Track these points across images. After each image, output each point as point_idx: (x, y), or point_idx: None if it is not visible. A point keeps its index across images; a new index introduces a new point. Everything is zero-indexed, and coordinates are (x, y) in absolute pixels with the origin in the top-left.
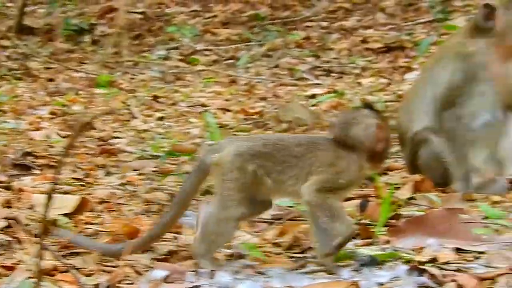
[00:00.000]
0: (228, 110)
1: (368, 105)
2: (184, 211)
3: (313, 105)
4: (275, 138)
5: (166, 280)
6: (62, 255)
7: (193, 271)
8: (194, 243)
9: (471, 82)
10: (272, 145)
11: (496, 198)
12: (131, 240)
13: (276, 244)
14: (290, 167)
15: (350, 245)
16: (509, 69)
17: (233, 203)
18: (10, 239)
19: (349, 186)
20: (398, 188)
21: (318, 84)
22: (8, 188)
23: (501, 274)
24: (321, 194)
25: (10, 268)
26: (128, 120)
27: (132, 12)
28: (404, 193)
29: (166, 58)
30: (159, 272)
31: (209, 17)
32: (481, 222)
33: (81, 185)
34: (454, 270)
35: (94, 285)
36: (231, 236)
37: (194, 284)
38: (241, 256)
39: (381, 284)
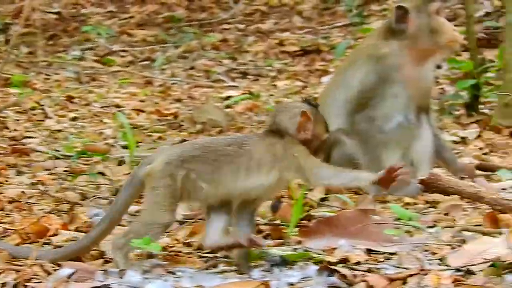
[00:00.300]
0: (143, 111)
1: (306, 100)
2: (115, 226)
3: (228, 107)
4: (204, 141)
5: (75, 279)
6: None
7: (102, 270)
8: (115, 237)
9: (384, 84)
10: (202, 148)
11: (408, 199)
12: (57, 250)
13: (187, 244)
14: (224, 166)
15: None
16: (421, 72)
17: (161, 210)
18: None
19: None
20: (310, 190)
21: (234, 86)
22: None
23: (412, 275)
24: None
25: None
26: (42, 120)
27: (48, 12)
28: (316, 194)
29: (81, 58)
30: (67, 271)
31: (125, 18)
32: (392, 224)
33: None
34: (365, 271)
35: (1, 284)
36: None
37: (103, 283)
38: (151, 256)
39: (292, 284)
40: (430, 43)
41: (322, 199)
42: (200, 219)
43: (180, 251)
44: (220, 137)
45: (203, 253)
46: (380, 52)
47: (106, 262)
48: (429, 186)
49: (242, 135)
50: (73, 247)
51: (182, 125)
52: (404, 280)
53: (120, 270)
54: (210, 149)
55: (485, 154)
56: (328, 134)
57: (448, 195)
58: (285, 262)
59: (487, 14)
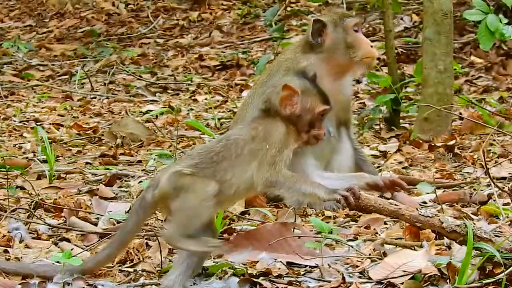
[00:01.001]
0: (62, 125)
1: (299, 71)
2: (124, 249)
3: (148, 121)
4: (199, 148)
5: None
6: None
7: (21, 283)
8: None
9: None
10: (198, 155)
11: (329, 213)
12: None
13: None
14: (223, 162)
15: None
16: (339, 86)
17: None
18: None
19: (282, 153)
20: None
21: (153, 100)
22: None
23: None
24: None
25: None
26: None
27: None
28: (237, 207)
29: None
30: None
31: (44, 33)
32: (313, 237)
33: None
34: (286, 284)
35: None
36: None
37: None
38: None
39: None
40: (346, 58)
41: (243, 213)
42: None
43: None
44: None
45: (124, 267)
46: (298, 65)
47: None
48: (349, 204)
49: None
50: (79, 267)
51: (102, 139)
52: None
53: (39, 282)
54: (203, 153)
55: (405, 168)
56: (329, 105)
57: (369, 213)
58: (206, 274)
59: (406, 29)
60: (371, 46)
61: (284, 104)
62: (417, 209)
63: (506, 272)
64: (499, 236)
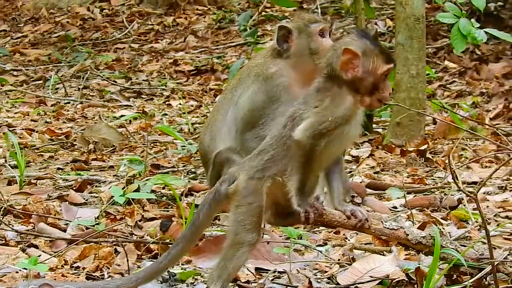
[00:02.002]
0: (35, 131)
1: (359, 32)
2: (195, 242)
3: (122, 127)
4: (265, 142)
5: None
6: None
7: None
8: (210, 271)
9: (272, 103)
10: (268, 147)
11: None
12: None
13: (75, 268)
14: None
15: None
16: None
17: (246, 229)
18: None
19: (340, 124)
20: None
21: (127, 105)
22: None
23: None
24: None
25: None
26: None
27: None
28: None
29: None
30: None
31: (18, 38)
32: (282, 242)
33: None
34: None
35: None
36: (243, 262)
37: None
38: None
39: None
40: (311, 64)
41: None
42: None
43: (68, 273)
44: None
45: (92, 275)
46: (267, 71)
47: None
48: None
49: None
50: (153, 267)
51: (75, 144)
52: None
53: None
54: (274, 144)
55: (376, 172)
56: (393, 63)
57: (334, 228)
58: (174, 279)
59: (381, 34)
60: None
61: (345, 68)
62: (382, 221)
63: (471, 280)
64: (464, 246)
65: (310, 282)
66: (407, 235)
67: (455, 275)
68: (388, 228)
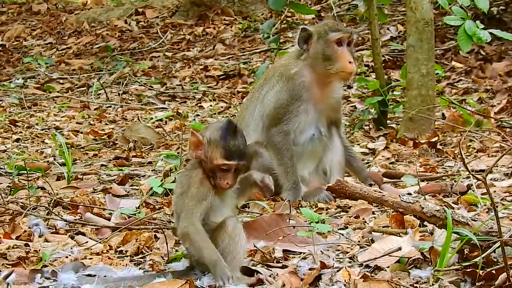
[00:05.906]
0: (80, 132)
1: (226, 122)
2: None
3: (158, 126)
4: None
5: (13, 281)
6: None
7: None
8: None
9: (295, 101)
10: None
11: (322, 205)
12: None
13: (120, 252)
14: None
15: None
16: (327, 91)
17: None
18: None
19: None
20: None
21: (163, 108)
22: None
23: (324, 273)
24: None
25: None
26: None
27: None
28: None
29: (23, 86)
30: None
31: (63, 49)
32: (307, 226)
33: None
34: (281, 267)
35: None
36: None
37: (41, 285)
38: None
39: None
40: (323, 69)
41: (243, 206)
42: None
43: (114, 256)
44: None
45: (135, 258)
46: (289, 72)
47: (45, 266)
48: (336, 192)
49: None
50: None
51: (116, 143)
52: (318, 277)
53: (52, 270)
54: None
55: (391, 163)
56: (231, 162)
57: (355, 200)
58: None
59: (393, 38)
60: (350, 62)
61: (192, 148)
62: (399, 195)
63: (482, 256)
64: (475, 220)
65: (322, 262)
66: (423, 208)
67: (466, 252)
68: (405, 201)
